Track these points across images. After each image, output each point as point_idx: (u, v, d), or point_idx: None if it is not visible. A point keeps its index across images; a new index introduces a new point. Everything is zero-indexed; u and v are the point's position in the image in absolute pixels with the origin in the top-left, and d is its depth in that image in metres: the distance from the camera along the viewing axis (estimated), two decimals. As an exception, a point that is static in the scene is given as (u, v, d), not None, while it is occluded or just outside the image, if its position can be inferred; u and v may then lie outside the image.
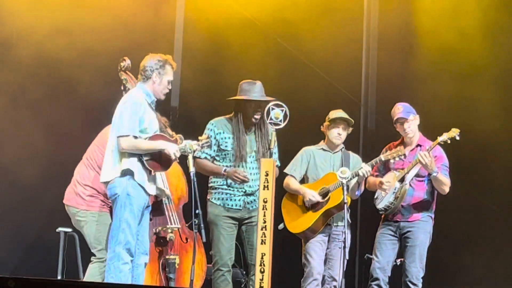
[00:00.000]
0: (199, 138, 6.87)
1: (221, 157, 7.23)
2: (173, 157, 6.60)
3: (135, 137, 6.54)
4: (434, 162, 7.18)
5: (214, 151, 7.22)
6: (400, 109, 7.39)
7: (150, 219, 6.91)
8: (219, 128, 7.23)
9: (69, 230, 7.48)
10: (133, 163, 6.55)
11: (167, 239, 7.18)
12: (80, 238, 7.51)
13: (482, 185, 8.91)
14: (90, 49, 8.57)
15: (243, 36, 9.11)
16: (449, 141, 7.18)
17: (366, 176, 7.23)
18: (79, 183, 7.14)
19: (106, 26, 8.57)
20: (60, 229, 7.49)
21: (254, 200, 7.12)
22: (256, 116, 7.15)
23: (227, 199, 7.18)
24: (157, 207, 7.15)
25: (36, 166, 8.44)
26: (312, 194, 7.33)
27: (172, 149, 6.60)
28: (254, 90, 7.17)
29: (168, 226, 7.18)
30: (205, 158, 7.21)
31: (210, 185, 7.28)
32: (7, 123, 8.42)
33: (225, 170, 7.12)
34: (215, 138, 7.21)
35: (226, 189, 7.19)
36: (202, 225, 6.75)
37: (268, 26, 9.39)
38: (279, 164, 7.36)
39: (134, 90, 6.75)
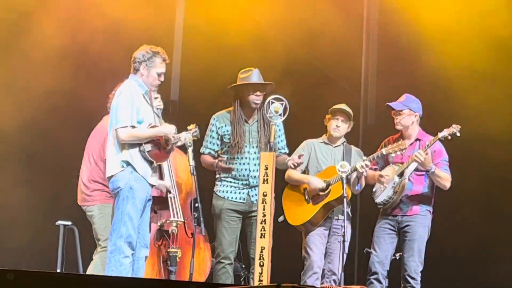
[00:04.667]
0: (188, 127, 6.88)
1: (225, 150, 7.25)
2: (172, 141, 6.60)
3: (133, 127, 6.55)
4: (430, 160, 7.18)
5: (218, 145, 7.25)
6: (400, 99, 7.41)
7: (155, 212, 6.93)
8: (220, 122, 7.26)
9: (68, 223, 7.50)
10: (133, 155, 6.56)
11: (170, 232, 7.20)
12: (80, 231, 7.53)
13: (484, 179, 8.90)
14: (91, 48, 8.57)
15: (242, 31, 9.11)
16: (449, 137, 7.19)
17: (363, 170, 7.22)
18: (82, 181, 7.18)
19: (107, 26, 8.55)
20: (59, 222, 7.50)
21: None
22: (255, 101, 7.16)
23: (231, 192, 7.20)
24: (162, 201, 7.16)
25: (37, 161, 8.45)
26: (317, 181, 7.34)
27: (171, 132, 6.60)
28: (251, 76, 7.20)
29: (171, 219, 7.20)
30: (209, 153, 7.24)
31: (216, 176, 7.30)
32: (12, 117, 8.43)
33: (216, 164, 7.13)
34: (217, 132, 7.23)
35: (231, 182, 7.22)
36: (202, 219, 6.78)
37: (268, 21, 9.38)
38: (287, 151, 7.37)
39: (127, 81, 6.74)
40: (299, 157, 7.21)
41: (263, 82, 7.20)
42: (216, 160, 7.15)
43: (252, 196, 7.20)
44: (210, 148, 7.24)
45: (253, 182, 7.19)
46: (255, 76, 7.21)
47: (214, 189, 7.29)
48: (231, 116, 7.24)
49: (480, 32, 8.83)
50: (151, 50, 6.70)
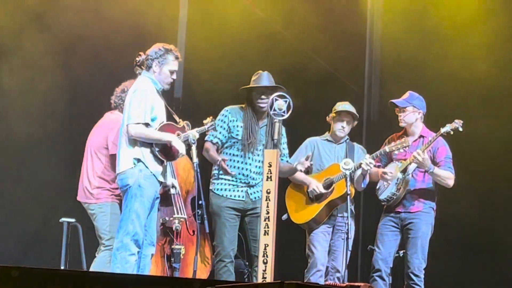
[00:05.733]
0: (204, 121, 6.89)
1: (229, 145, 7.24)
2: (180, 155, 6.62)
3: (147, 124, 6.56)
4: (428, 159, 7.19)
5: (225, 137, 7.22)
6: (403, 96, 7.42)
7: (158, 210, 6.94)
8: (233, 116, 7.23)
9: (72, 220, 7.51)
10: (145, 153, 6.57)
11: (173, 229, 7.21)
12: (83, 229, 7.54)
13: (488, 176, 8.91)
14: (94, 46, 8.57)
15: (246, 28, 9.10)
16: (452, 133, 7.20)
17: (369, 168, 7.23)
18: (85, 175, 7.17)
19: (110, 24, 8.55)
20: (63, 219, 7.51)
21: (257, 191, 7.14)
22: (260, 104, 7.16)
23: (230, 190, 7.18)
24: (165, 198, 7.18)
25: (42, 157, 8.46)
26: (316, 185, 7.36)
27: (180, 150, 6.60)
28: (260, 78, 7.20)
29: (174, 216, 7.21)
30: (216, 142, 7.21)
31: (213, 173, 7.27)
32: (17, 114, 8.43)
33: (219, 161, 7.11)
34: (227, 124, 7.21)
35: (229, 180, 7.19)
36: (205, 216, 6.78)
37: (272, 19, 9.38)
38: (288, 160, 7.37)
39: (141, 78, 6.75)
40: (307, 159, 7.20)
41: (268, 86, 7.16)
42: (220, 158, 7.13)
43: (251, 194, 7.19)
44: (218, 138, 7.20)
45: (252, 182, 7.18)
46: (262, 79, 7.19)
47: (211, 187, 7.24)
48: (243, 115, 7.23)
49: (485, 29, 8.83)
50: (164, 47, 6.73)
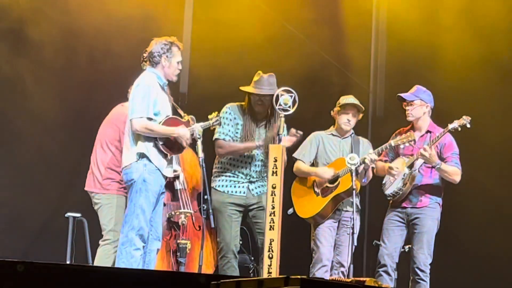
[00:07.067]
0: (209, 116, 6.89)
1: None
2: (185, 145, 6.62)
3: (149, 119, 6.56)
4: (435, 155, 7.17)
5: (233, 133, 7.21)
6: (411, 90, 7.40)
7: (164, 204, 6.94)
8: (235, 113, 7.24)
9: (78, 215, 7.52)
10: (149, 147, 6.57)
11: (180, 223, 7.21)
12: (89, 223, 7.54)
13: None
14: (98, 44, 8.57)
15: (252, 23, 9.10)
16: (459, 129, 7.18)
17: (371, 164, 7.22)
18: (95, 165, 7.17)
19: (115, 21, 8.55)
20: (68, 214, 7.51)
21: (259, 186, 7.15)
22: (257, 109, 7.16)
23: (231, 186, 7.19)
24: (171, 192, 7.18)
25: (46, 153, 8.46)
26: (323, 174, 7.34)
27: (184, 136, 6.61)
28: (260, 82, 7.17)
29: (181, 211, 7.21)
30: (229, 140, 7.19)
31: (214, 171, 7.29)
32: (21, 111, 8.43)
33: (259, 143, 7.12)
34: (231, 120, 7.20)
35: (230, 176, 7.22)
36: (211, 211, 6.79)
37: (278, 14, 9.37)
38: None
39: (145, 73, 6.76)
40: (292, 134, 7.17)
41: (265, 94, 7.11)
42: (255, 143, 7.10)
43: (252, 189, 7.20)
44: (228, 135, 7.19)
45: (252, 178, 7.20)
46: (262, 83, 7.13)
47: (213, 185, 7.25)
48: (243, 114, 7.23)
49: (493, 23, 8.81)
50: (168, 41, 6.75)
